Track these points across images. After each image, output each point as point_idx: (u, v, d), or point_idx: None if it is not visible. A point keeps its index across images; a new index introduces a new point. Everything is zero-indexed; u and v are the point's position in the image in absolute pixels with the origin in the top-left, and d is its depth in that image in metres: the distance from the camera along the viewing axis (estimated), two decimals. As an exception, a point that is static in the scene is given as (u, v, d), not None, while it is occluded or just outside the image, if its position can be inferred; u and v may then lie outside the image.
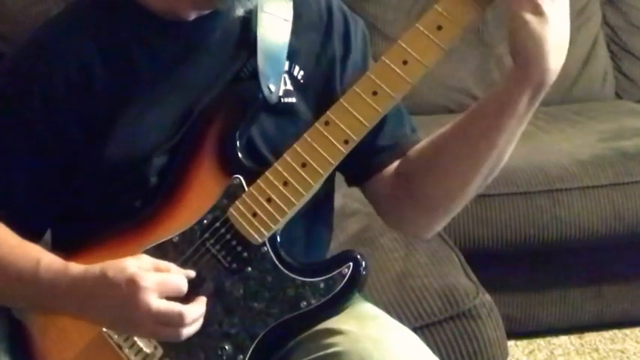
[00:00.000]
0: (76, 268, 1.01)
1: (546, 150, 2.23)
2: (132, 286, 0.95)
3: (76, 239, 1.10)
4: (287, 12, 1.13)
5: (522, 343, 2.21)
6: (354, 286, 1.02)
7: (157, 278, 0.97)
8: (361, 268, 1.02)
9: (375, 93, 0.98)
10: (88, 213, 1.11)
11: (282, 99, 1.10)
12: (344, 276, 1.01)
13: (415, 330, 1.44)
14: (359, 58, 1.18)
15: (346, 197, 1.86)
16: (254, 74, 1.09)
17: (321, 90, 1.14)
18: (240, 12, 1.06)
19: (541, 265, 2.19)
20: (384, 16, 2.63)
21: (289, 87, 1.11)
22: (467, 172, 1.08)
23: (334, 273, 1.01)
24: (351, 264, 1.01)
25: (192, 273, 1.02)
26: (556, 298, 2.21)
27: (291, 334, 1.05)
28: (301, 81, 1.13)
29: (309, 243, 1.15)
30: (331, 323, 1.05)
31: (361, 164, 1.14)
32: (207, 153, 1.07)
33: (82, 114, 1.07)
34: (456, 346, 1.46)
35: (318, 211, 1.15)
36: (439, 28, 0.97)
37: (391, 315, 1.36)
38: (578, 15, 2.73)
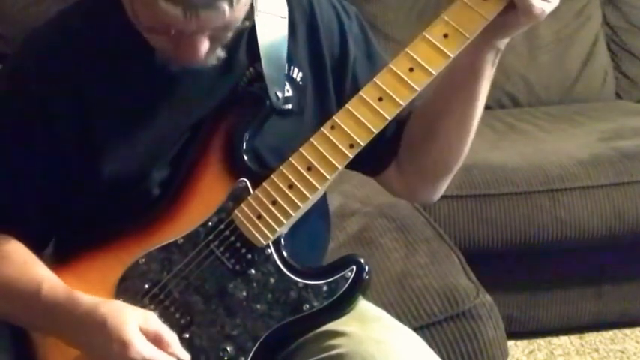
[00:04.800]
0: (78, 304, 1.00)
1: (546, 150, 2.23)
2: (122, 348, 0.95)
3: (79, 242, 1.10)
4: (282, 8, 1.12)
5: (522, 343, 2.21)
6: (356, 290, 1.02)
7: (148, 354, 0.96)
8: (364, 272, 1.02)
9: (381, 99, 1.00)
10: (92, 221, 1.11)
11: (285, 104, 1.10)
12: (347, 279, 1.01)
13: (415, 330, 1.43)
14: (362, 52, 1.18)
15: (346, 197, 1.86)
16: (257, 79, 1.09)
17: (317, 90, 1.14)
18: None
19: (541, 265, 2.19)
20: (384, 16, 2.64)
21: (289, 89, 1.11)
22: (456, 132, 1.13)
23: (337, 276, 1.01)
24: (354, 267, 1.02)
25: (188, 356, 1.01)
26: (556, 298, 2.21)
27: (293, 336, 1.05)
28: (300, 83, 1.12)
29: (309, 242, 1.15)
30: (334, 325, 1.05)
31: (375, 159, 1.15)
32: (213, 157, 1.07)
33: (77, 128, 1.06)
34: (456, 346, 1.46)
35: (317, 209, 1.15)
36: (445, 36, 0.98)
37: (391, 315, 1.36)
38: (578, 15, 2.73)
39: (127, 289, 1.05)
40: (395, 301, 1.49)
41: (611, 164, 2.13)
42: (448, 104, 1.10)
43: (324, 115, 1.13)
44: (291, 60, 1.11)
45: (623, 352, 2.19)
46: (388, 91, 0.99)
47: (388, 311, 1.42)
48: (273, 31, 1.11)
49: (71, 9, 1.12)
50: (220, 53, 1.05)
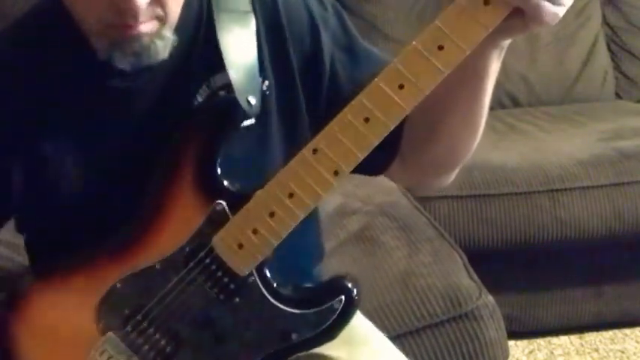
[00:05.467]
0: None
1: (546, 150, 2.23)
2: None
3: (54, 264, 1.07)
4: (245, 6, 1.03)
5: (522, 343, 2.21)
6: (346, 320, 0.98)
7: None
8: (353, 301, 0.97)
9: (367, 120, 0.88)
10: (60, 243, 1.06)
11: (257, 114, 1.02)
12: (335, 311, 0.97)
13: (418, 331, 1.44)
14: (340, 47, 1.09)
15: (346, 196, 1.86)
16: (224, 87, 1.00)
17: (281, 98, 1.06)
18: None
19: (541, 265, 2.19)
20: (384, 16, 2.63)
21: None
22: (462, 129, 1.03)
23: (326, 306, 0.97)
24: (342, 298, 0.97)
25: None
26: (556, 298, 2.21)
27: None
28: (267, 92, 1.03)
29: (298, 248, 1.08)
30: (322, 349, 1.02)
31: (374, 162, 1.04)
32: (184, 175, 0.99)
33: (29, 142, 1.02)
34: (458, 346, 1.46)
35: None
36: (440, 48, 0.85)
37: (394, 315, 1.35)
38: (578, 15, 2.73)
39: (108, 314, 1.01)
40: (398, 301, 1.49)
41: (611, 164, 2.13)
42: (452, 102, 0.99)
43: (289, 125, 1.07)
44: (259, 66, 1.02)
45: (623, 352, 2.19)
46: (375, 112, 0.88)
47: (391, 310, 1.42)
48: (237, 30, 1.01)
49: (23, 20, 1.08)
50: (170, 36, 0.97)
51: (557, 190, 2.07)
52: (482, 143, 2.43)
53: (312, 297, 0.99)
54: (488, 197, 2.05)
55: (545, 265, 2.19)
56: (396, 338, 1.43)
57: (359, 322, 1.13)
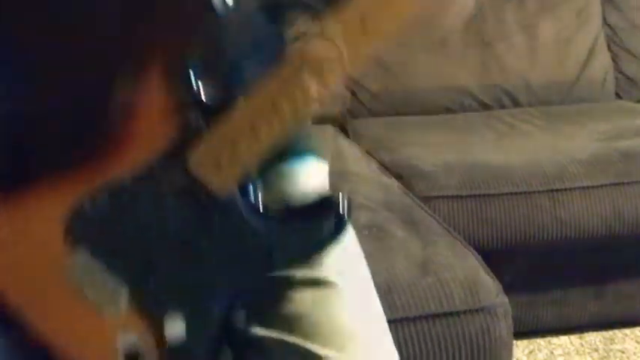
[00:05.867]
0: None
1: (546, 150, 2.23)
2: None
3: (13, 178, 0.96)
4: None
5: (522, 343, 2.21)
6: (334, 239, 0.89)
7: None
8: (343, 219, 0.88)
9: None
10: (15, 154, 0.95)
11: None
12: (322, 229, 0.88)
13: (433, 316, 1.45)
14: None
15: (349, 192, 1.85)
16: None
17: None
18: None
19: (541, 265, 2.19)
20: (384, 16, 2.63)
21: None
22: None
23: (313, 225, 0.88)
24: (332, 217, 0.88)
25: None
26: (556, 298, 2.21)
27: (270, 290, 0.95)
28: None
29: None
30: (311, 345, 0.97)
31: None
32: (153, 85, 0.88)
33: None
34: (468, 339, 1.46)
35: None
36: None
37: (413, 295, 1.34)
38: (578, 15, 2.73)
39: (75, 230, 0.94)
40: (418, 283, 1.49)
41: (611, 164, 2.13)
42: None
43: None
44: None
45: (623, 352, 2.19)
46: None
47: (411, 290, 1.41)
48: None
49: None
50: None
51: (557, 190, 2.07)
52: (482, 143, 2.43)
53: (299, 215, 0.90)
54: (488, 197, 2.05)
55: (545, 265, 2.19)
56: (410, 320, 1.44)
57: (347, 315, 1.04)
